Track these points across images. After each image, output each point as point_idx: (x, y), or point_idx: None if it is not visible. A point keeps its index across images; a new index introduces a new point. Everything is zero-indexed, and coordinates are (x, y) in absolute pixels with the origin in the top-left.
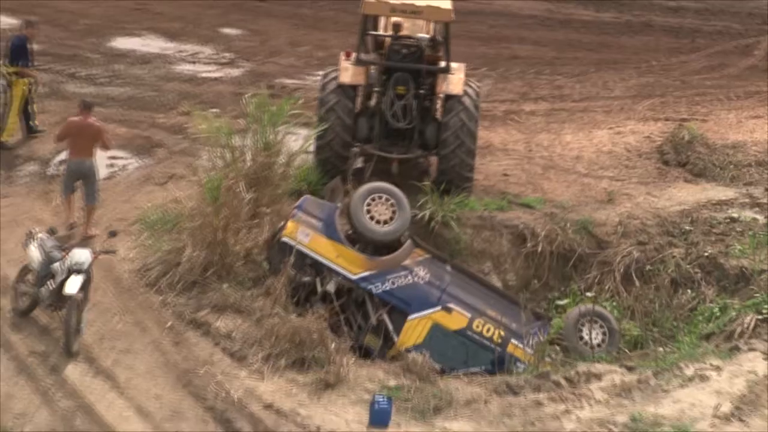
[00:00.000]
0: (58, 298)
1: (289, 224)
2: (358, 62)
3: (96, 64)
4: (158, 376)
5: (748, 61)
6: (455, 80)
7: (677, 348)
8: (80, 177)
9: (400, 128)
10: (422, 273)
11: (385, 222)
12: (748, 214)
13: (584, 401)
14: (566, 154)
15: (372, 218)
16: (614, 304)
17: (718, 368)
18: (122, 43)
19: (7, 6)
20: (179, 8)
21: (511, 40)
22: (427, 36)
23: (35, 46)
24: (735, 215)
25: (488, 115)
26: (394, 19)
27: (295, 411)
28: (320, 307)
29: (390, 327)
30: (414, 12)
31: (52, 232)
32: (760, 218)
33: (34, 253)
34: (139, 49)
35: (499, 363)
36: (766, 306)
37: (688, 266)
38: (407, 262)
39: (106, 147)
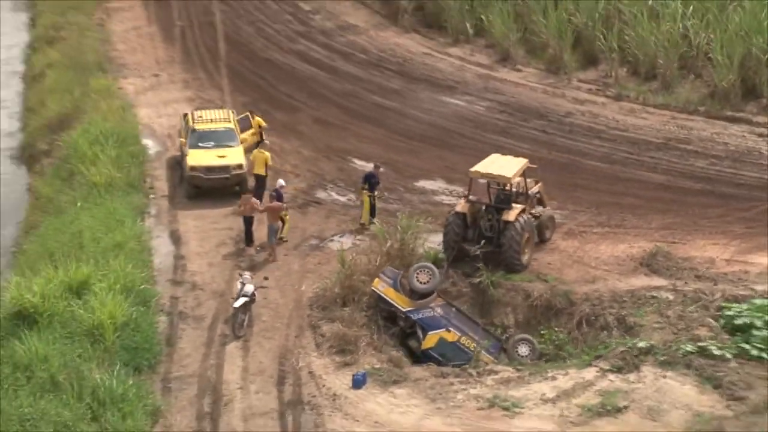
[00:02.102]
0: (235, 309)
1: (375, 280)
2: (467, 200)
3: (397, 191)
4: (271, 351)
5: (743, 215)
6: (512, 213)
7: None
8: (273, 232)
9: (488, 236)
10: (439, 310)
11: (425, 283)
12: (665, 295)
13: (478, 385)
14: (592, 255)
15: (417, 280)
16: (567, 335)
17: (566, 373)
18: (421, 182)
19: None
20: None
21: (626, 195)
22: (515, 189)
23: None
24: (656, 295)
25: (572, 231)
26: None
27: (321, 376)
28: (402, 324)
29: (421, 337)
30: (491, 177)
31: (240, 275)
32: (671, 297)
33: (237, 285)
34: (426, 186)
35: (475, 361)
36: (629, 343)
37: (611, 319)
38: (432, 304)
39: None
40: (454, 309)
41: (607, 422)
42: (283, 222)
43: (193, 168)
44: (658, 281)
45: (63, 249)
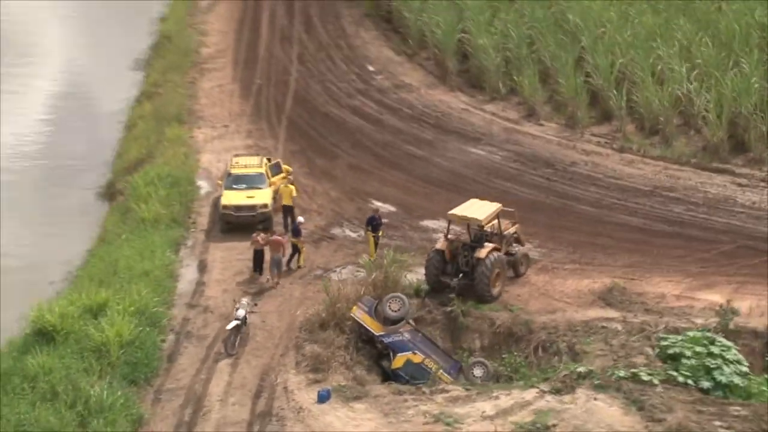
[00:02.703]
0: (228, 330)
1: (354, 307)
2: (446, 239)
3: (401, 230)
4: (256, 368)
5: (701, 255)
6: (484, 251)
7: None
8: (275, 263)
9: (464, 270)
10: (407, 335)
11: (396, 310)
12: (614, 326)
13: (428, 402)
14: (558, 289)
15: (390, 308)
16: (524, 359)
17: (509, 394)
18: (426, 222)
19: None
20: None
21: (604, 236)
22: (489, 230)
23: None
24: (606, 325)
25: (545, 267)
26: None
27: (293, 391)
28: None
29: (391, 357)
30: (466, 220)
31: (234, 300)
32: (619, 328)
33: (234, 310)
34: (429, 225)
35: (434, 381)
36: (570, 368)
37: (562, 346)
38: (401, 330)
39: (284, 251)
40: (420, 334)
41: None
42: (299, 251)
43: (225, 207)
44: (610, 313)
45: (101, 275)
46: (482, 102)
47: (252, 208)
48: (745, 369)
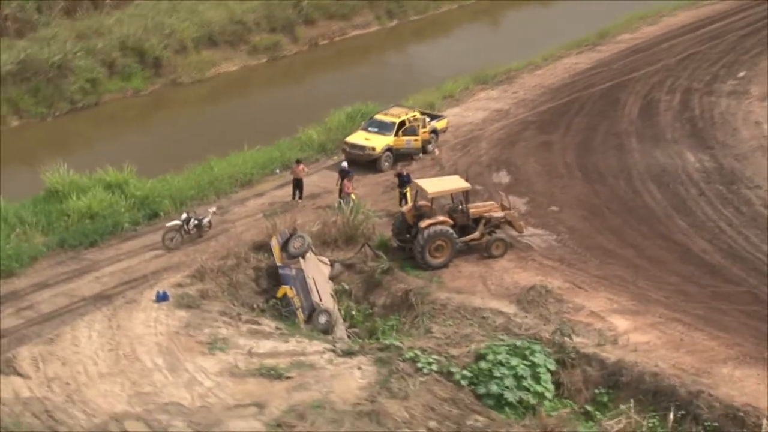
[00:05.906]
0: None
1: (272, 237)
2: (412, 205)
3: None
4: (168, 263)
5: (689, 288)
6: (425, 222)
7: None
8: (344, 176)
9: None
10: (293, 272)
11: (296, 248)
12: (494, 319)
13: (231, 327)
14: (502, 277)
15: (293, 246)
16: (401, 323)
17: (300, 342)
18: (511, 198)
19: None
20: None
21: (644, 248)
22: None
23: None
24: (486, 317)
25: (525, 257)
26: None
27: (154, 287)
28: None
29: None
30: (420, 189)
31: (187, 211)
32: (498, 321)
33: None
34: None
35: (294, 315)
36: (390, 340)
37: (425, 320)
38: (292, 266)
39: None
40: (302, 274)
41: (255, 381)
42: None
43: (345, 142)
44: (507, 308)
45: (198, 171)
46: None
47: (362, 148)
48: (540, 389)
